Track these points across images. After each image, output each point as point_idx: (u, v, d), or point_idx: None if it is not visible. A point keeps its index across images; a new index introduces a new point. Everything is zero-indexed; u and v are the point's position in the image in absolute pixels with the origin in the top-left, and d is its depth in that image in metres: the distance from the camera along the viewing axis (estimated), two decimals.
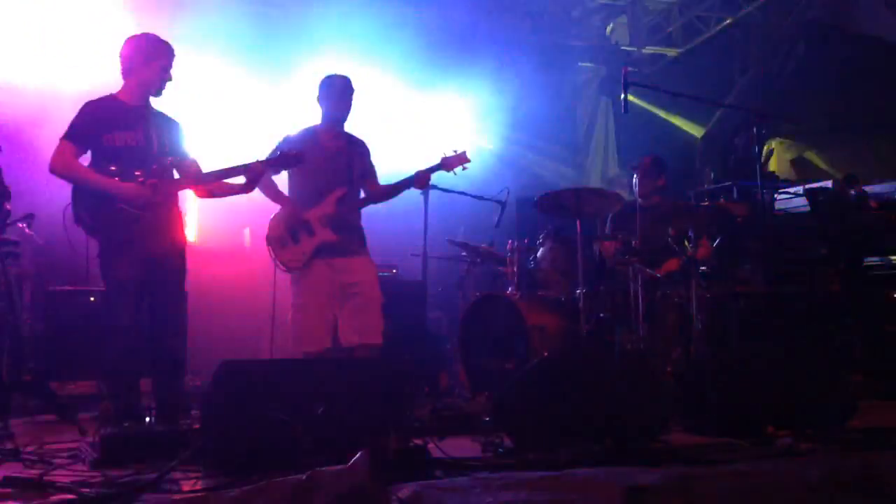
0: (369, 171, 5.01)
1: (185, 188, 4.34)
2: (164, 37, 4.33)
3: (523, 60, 8.91)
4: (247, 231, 7.67)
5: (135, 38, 4.29)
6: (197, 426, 3.76)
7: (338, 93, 4.86)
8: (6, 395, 4.43)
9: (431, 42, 8.32)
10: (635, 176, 6.00)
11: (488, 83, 8.83)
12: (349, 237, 4.79)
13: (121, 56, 4.28)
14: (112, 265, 4.10)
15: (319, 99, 4.90)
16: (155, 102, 4.38)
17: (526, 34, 8.99)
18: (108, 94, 4.29)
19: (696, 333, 5.15)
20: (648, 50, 9.66)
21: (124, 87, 4.30)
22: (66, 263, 6.07)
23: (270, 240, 4.73)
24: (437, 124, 8.59)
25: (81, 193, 4.10)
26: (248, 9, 7.72)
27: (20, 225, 5.70)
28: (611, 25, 9.66)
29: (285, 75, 8.01)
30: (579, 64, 9.96)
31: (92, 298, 5.89)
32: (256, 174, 4.33)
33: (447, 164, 4.89)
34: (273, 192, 4.85)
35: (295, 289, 4.76)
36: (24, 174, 5.34)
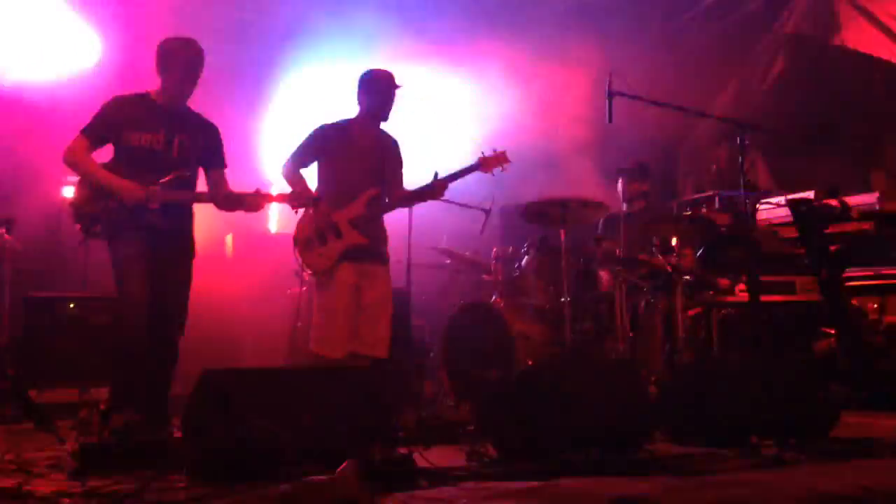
0: (399, 174, 4.85)
1: (182, 200, 4.27)
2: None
3: (509, 65, 8.92)
4: (229, 238, 7.62)
5: (162, 42, 4.25)
6: (179, 434, 3.71)
7: (383, 87, 4.71)
8: None
9: (413, 46, 8.32)
10: (620, 181, 6.03)
11: (470, 89, 8.84)
12: (376, 241, 4.70)
13: (156, 56, 4.25)
14: (122, 246, 4.06)
15: (359, 93, 4.75)
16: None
17: (509, 38, 8.99)
18: (142, 91, 4.26)
19: (680, 343, 5.17)
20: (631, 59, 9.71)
21: (158, 87, 4.26)
22: (45, 269, 6.01)
23: (297, 241, 4.62)
24: (422, 131, 8.57)
25: (86, 191, 4.09)
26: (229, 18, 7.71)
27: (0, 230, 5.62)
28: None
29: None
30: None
31: (71, 305, 5.83)
32: (261, 203, 4.28)
33: (485, 163, 4.64)
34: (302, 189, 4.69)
35: (319, 291, 4.67)
36: (4, 180, 5.30)
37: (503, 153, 4.69)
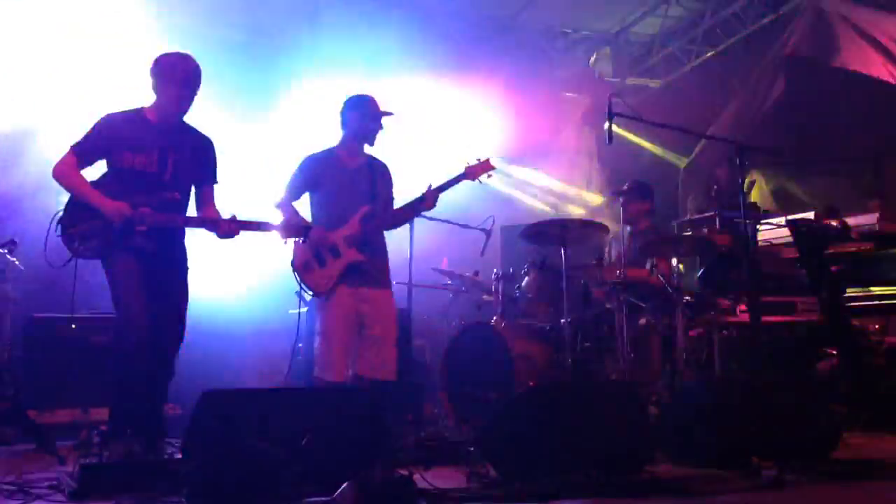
0: (389, 194, 4.87)
1: (170, 225, 4.19)
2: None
3: (507, 89, 8.99)
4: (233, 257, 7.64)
5: (157, 59, 4.20)
6: (179, 455, 3.71)
7: (370, 113, 4.75)
8: None
9: (417, 69, 8.39)
10: (620, 200, 6.05)
11: (471, 112, 8.91)
12: (375, 258, 4.70)
13: (152, 71, 4.20)
14: (118, 264, 4.03)
15: (345, 116, 4.79)
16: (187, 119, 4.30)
17: (509, 64, 9.06)
18: (136, 107, 4.22)
19: (680, 363, 5.16)
20: (631, 81, 9.76)
21: (152, 104, 4.23)
22: (48, 291, 6.02)
23: (297, 266, 4.63)
24: (420, 153, 8.62)
25: (74, 208, 4.06)
26: (231, 37, 7.77)
27: (1, 251, 5.64)
28: (594, 56, 9.76)
29: (266, 108, 8.04)
30: (563, 94, 10.05)
31: (73, 326, 5.83)
32: (232, 231, 4.18)
33: (471, 172, 4.71)
34: (292, 216, 4.72)
35: (319, 315, 4.67)
36: (5, 201, 5.33)
37: (487, 161, 4.75)
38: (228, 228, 4.14)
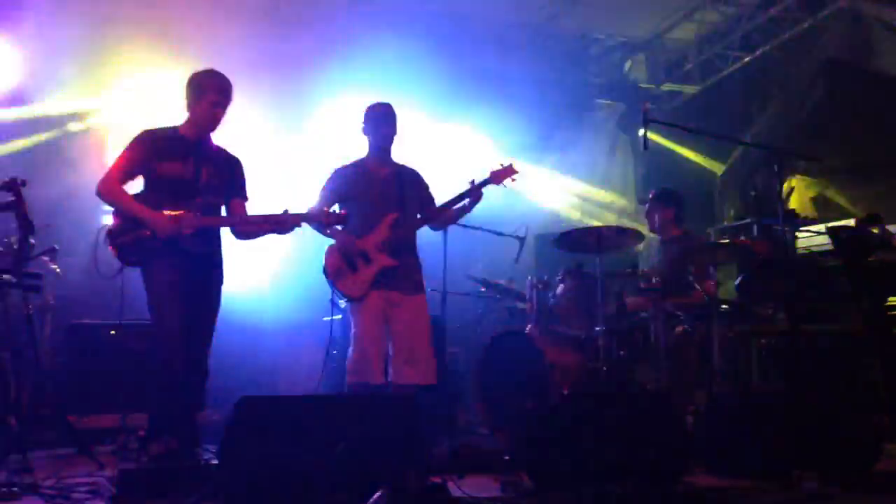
0: (426, 197, 4.99)
1: (212, 225, 4.36)
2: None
3: (541, 96, 8.97)
4: (268, 265, 7.71)
5: (192, 76, 4.39)
6: (215, 461, 3.74)
7: (382, 119, 4.86)
8: (25, 428, 4.42)
9: (451, 77, 8.40)
10: (646, 209, 6.03)
11: (506, 119, 8.90)
12: (407, 263, 4.76)
13: (186, 88, 4.38)
14: (155, 273, 4.15)
15: (365, 129, 4.90)
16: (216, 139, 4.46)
17: (543, 70, 9.04)
18: (170, 126, 4.40)
19: (717, 373, 5.10)
20: (666, 87, 9.70)
21: (185, 121, 4.40)
22: (88, 297, 6.12)
23: (329, 272, 4.71)
24: (457, 160, 8.64)
25: (120, 220, 4.18)
26: (266, 44, 7.84)
27: (43, 258, 5.74)
28: (629, 63, 9.71)
29: (305, 117, 8.11)
30: (597, 100, 10.00)
31: (112, 332, 5.92)
32: (291, 224, 4.34)
33: (496, 177, 4.80)
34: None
35: (353, 320, 4.73)
36: (48, 208, 5.42)
37: (510, 165, 4.84)
38: (290, 223, 4.29)
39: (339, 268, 4.70)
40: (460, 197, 4.82)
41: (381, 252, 4.67)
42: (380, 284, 4.66)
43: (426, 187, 5.02)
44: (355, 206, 4.79)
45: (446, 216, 4.97)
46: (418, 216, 4.90)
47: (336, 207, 4.86)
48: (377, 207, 4.74)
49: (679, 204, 6.03)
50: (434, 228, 5.06)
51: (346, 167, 4.93)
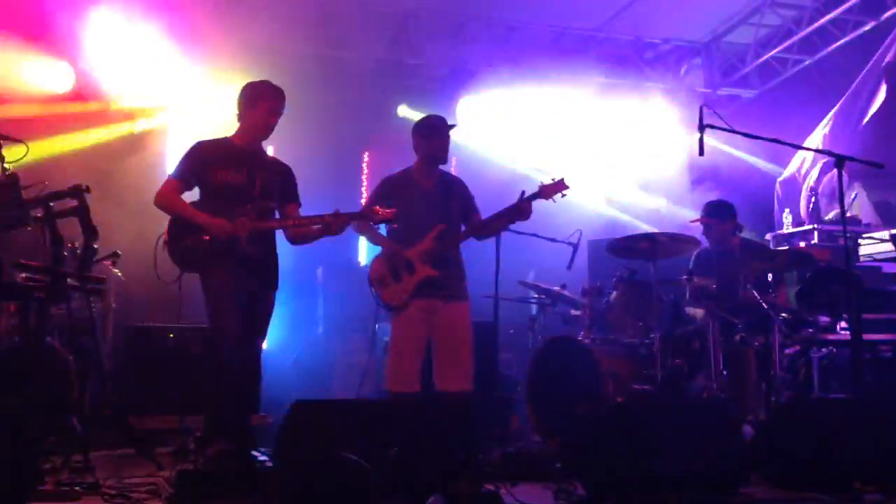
0: (470, 208, 5.02)
1: (268, 228, 4.44)
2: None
3: (596, 101, 8.93)
4: (319, 271, 7.80)
5: (246, 84, 4.50)
6: (269, 464, 3.79)
7: (433, 132, 4.91)
8: (87, 429, 4.54)
9: (507, 81, 8.43)
10: (701, 226, 5.93)
11: (560, 124, 8.89)
12: (449, 273, 4.79)
13: (237, 101, 4.49)
14: (213, 279, 4.23)
15: (416, 141, 4.94)
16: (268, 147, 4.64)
17: (598, 75, 8.98)
18: (221, 136, 4.52)
19: (777, 382, 5.00)
20: (723, 91, 9.54)
21: (237, 131, 4.51)
22: (148, 301, 6.26)
23: (372, 281, 4.80)
24: (514, 169, 8.68)
25: (178, 228, 4.27)
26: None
27: (106, 262, 5.89)
28: (684, 67, 9.59)
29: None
30: (652, 104, 9.87)
31: (171, 335, 6.03)
32: (342, 224, 4.39)
33: (545, 192, 4.80)
34: (372, 235, 4.95)
35: (393, 326, 4.80)
36: (108, 213, 5.55)
37: (561, 180, 4.81)
38: (341, 222, 4.32)
39: (383, 276, 4.77)
40: (508, 210, 4.81)
41: (424, 263, 4.72)
42: (421, 294, 4.71)
43: (471, 199, 5.06)
44: (401, 216, 4.83)
45: (491, 228, 4.95)
46: (462, 228, 4.93)
47: None
48: (423, 218, 4.79)
49: (734, 214, 5.92)
50: (479, 239, 5.04)
51: (393, 177, 5.00)
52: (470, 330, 4.80)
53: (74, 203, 4.21)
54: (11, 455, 3.33)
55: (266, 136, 4.53)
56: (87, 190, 4.24)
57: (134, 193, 6.44)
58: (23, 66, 7.04)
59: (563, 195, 4.83)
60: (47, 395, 4.73)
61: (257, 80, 4.53)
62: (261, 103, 4.40)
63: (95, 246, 4.56)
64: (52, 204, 4.09)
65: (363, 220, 4.58)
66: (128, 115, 7.59)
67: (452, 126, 4.96)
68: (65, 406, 4.84)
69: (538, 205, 4.85)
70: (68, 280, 4.42)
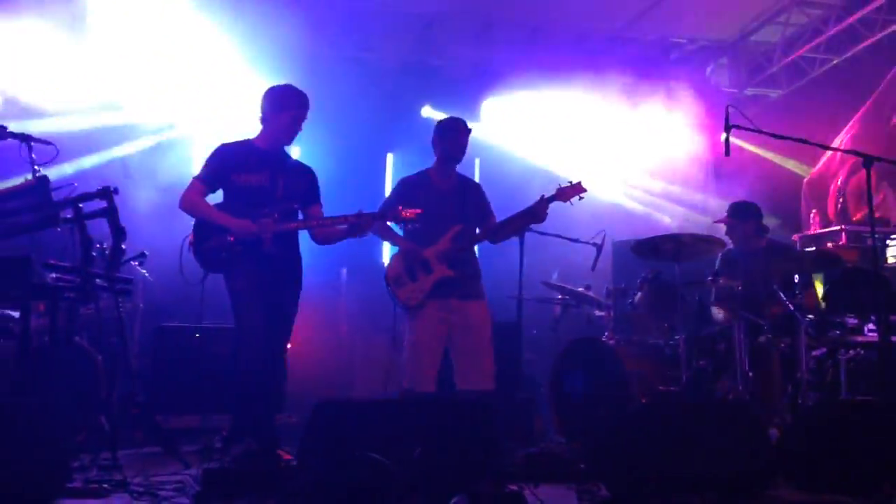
0: (486, 211, 5.05)
1: (291, 229, 4.47)
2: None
3: (620, 100, 8.90)
4: (343, 271, 7.84)
5: (271, 88, 4.55)
6: (294, 463, 3.82)
7: (453, 134, 4.95)
8: (115, 428, 4.60)
9: (533, 82, 8.42)
10: (724, 227, 5.88)
11: (584, 123, 8.87)
12: (464, 273, 4.82)
13: (260, 105, 4.53)
14: (238, 279, 4.28)
15: (434, 142, 4.99)
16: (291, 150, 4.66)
17: (623, 74, 8.95)
18: (244, 139, 4.56)
19: (803, 384, 4.95)
20: (750, 91, 9.47)
21: (260, 134, 4.56)
22: (174, 301, 6.33)
23: (389, 279, 4.82)
24: (538, 168, 8.67)
25: (203, 230, 4.33)
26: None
27: (133, 263, 5.96)
28: (710, 67, 9.53)
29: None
30: (677, 104, 9.82)
31: (197, 335, 6.09)
32: (365, 224, 4.42)
33: (563, 194, 4.80)
34: (389, 235, 4.97)
35: (409, 326, 4.83)
36: (135, 214, 5.63)
37: (579, 183, 4.81)
38: (364, 222, 4.38)
39: (400, 275, 4.79)
40: (522, 213, 4.82)
41: (441, 263, 4.75)
42: (437, 294, 4.73)
43: (487, 203, 5.08)
44: (419, 217, 4.86)
45: (505, 232, 4.95)
46: (477, 230, 4.94)
47: None
48: (439, 218, 4.81)
49: (758, 215, 5.86)
50: (493, 242, 5.04)
51: (411, 177, 5.03)
52: (489, 328, 4.81)
53: (104, 205, 4.26)
54: (41, 453, 3.39)
55: (289, 143, 4.59)
56: (116, 191, 4.30)
57: (162, 192, 6.53)
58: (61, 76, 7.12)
59: (581, 198, 4.82)
60: (76, 394, 4.81)
61: (282, 83, 4.57)
62: (287, 111, 4.45)
63: (123, 246, 4.62)
64: (81, 205, 4.15)
65: (385, 221, 4.61)
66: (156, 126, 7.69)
67: (469, 130, 4.97)
68: (93, 405, 4.90)
69: (561, 205, 4.85)
70: (97, 280, 4.47)
